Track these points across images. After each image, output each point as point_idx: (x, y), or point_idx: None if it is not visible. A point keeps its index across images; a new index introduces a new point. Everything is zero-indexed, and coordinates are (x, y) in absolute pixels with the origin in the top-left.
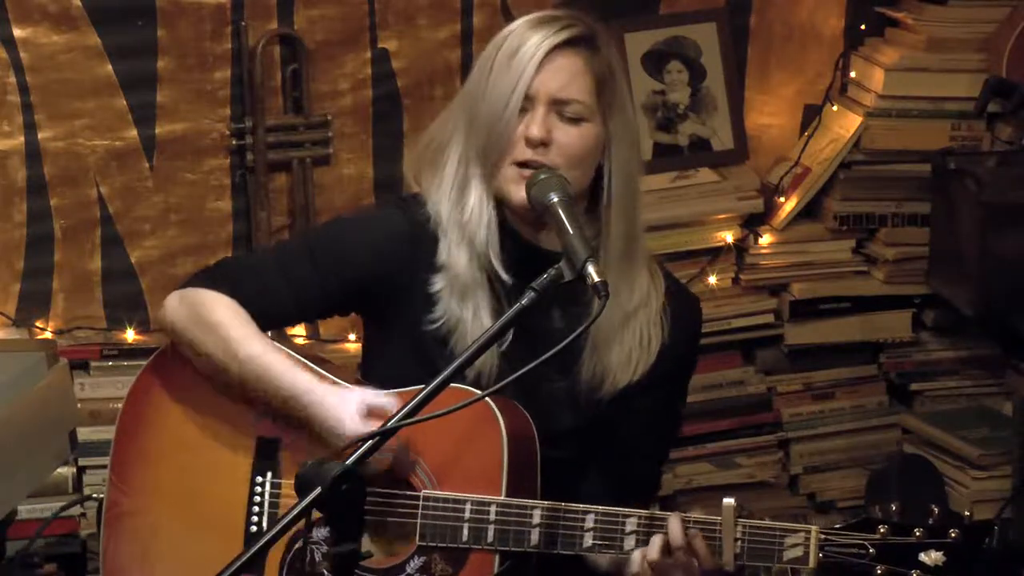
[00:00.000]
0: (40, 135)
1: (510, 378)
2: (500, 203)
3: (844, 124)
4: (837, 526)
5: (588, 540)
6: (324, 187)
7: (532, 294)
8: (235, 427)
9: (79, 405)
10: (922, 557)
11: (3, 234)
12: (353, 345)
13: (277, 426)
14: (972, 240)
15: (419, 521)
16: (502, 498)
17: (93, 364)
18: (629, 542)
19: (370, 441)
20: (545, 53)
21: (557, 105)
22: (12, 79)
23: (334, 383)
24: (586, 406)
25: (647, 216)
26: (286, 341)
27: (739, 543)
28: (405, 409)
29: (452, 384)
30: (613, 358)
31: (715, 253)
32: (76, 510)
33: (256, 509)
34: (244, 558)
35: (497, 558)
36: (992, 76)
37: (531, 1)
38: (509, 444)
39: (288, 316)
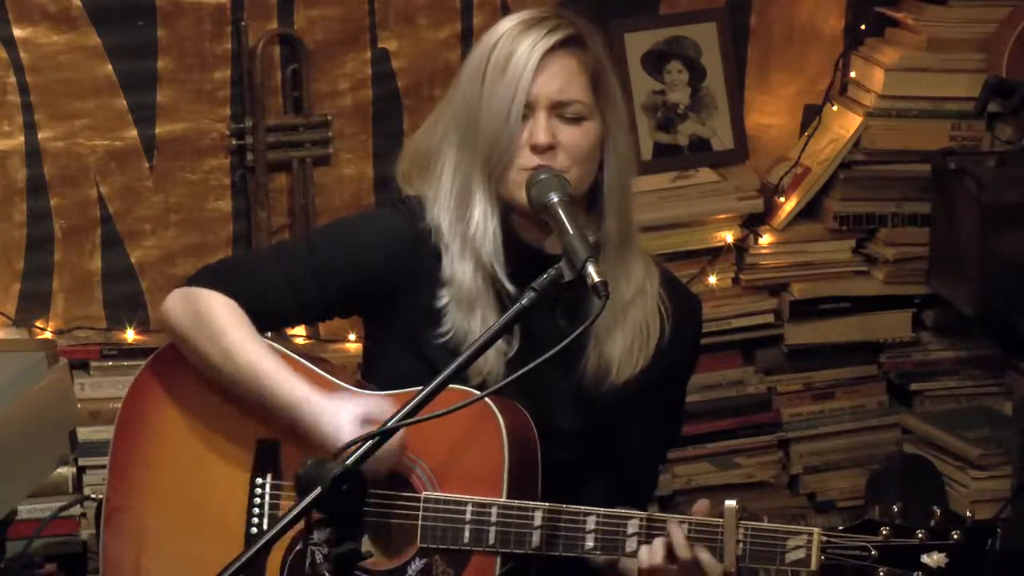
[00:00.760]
0: (40, 135)
1: (510, 378)
2: (505, 211)
3: (844, 124)
4: (839, 528)
5: (589, 542)
6: (324, 187)
7: (532, 294)
8: (235, 428)
9: (79, 405)
10: (924, 559)
11: (3, 234)
12: (353, 345)
13: (277, 427)
14: (972, 240)
15: (420, 523)
16: (503, 500)
17: (93, 364)
18: (630, 544)
19: (370, 441)
20: (539, 58)
21: (557, 108)
22: (12, 79)
23: (332, 389)
24: (589, 405)
25: (647, 216)
26: (286, 341)
27: (741, 545)
28: (405, 409)
29: (452, 386)
30: (616, 349)
31: (715, 253)
32: (76, 510)
33: (256, 510)
34: (244, 558)
35: (498, 560)
36: (992, 76)
37: (531, 0)
38: (510, 445)
39: (288, 317)
